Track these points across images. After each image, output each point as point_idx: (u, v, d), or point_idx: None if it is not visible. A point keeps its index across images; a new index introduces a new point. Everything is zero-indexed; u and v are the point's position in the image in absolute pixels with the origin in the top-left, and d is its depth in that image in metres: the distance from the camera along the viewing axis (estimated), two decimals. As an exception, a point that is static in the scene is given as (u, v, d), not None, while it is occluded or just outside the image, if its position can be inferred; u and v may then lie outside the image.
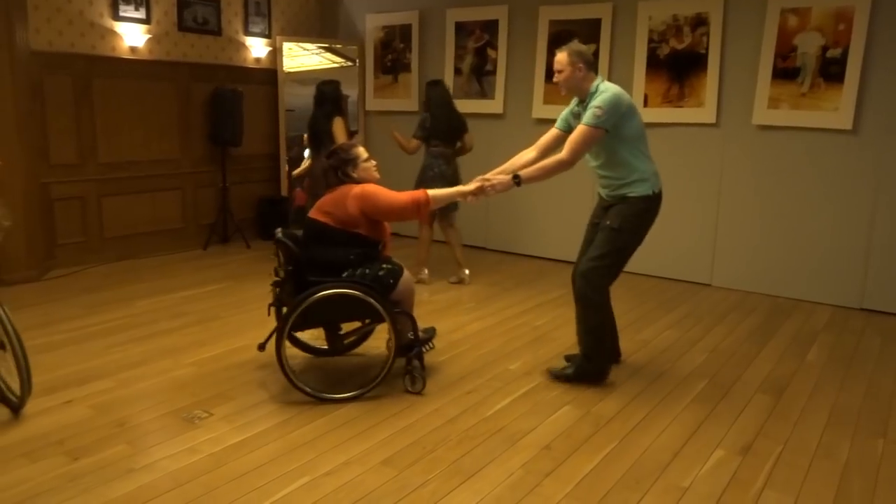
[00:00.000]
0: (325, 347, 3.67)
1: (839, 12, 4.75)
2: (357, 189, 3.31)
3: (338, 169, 3.38)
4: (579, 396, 3.38)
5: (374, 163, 3.47)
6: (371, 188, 3.33)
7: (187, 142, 6.32)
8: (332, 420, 3.07)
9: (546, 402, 3.32)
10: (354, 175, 3.37)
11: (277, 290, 3.41)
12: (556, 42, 5.95)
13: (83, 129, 5.60)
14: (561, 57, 3.39)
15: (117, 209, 5.89)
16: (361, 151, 3.44)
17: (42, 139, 5.35)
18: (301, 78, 7.25)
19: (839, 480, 2.68)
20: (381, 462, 2.73)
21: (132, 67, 5.85)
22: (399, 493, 2.52)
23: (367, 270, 3.26)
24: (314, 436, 2.92)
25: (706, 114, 5.34)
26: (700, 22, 5.28)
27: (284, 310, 3.28)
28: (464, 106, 6.47)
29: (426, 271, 5.39)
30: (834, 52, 4.80)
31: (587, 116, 3.31)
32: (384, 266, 3.32)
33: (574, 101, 3.54)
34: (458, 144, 5.39)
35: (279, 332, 3.18)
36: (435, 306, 4.79)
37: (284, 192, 7.04)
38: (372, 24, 7.13)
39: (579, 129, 3.34)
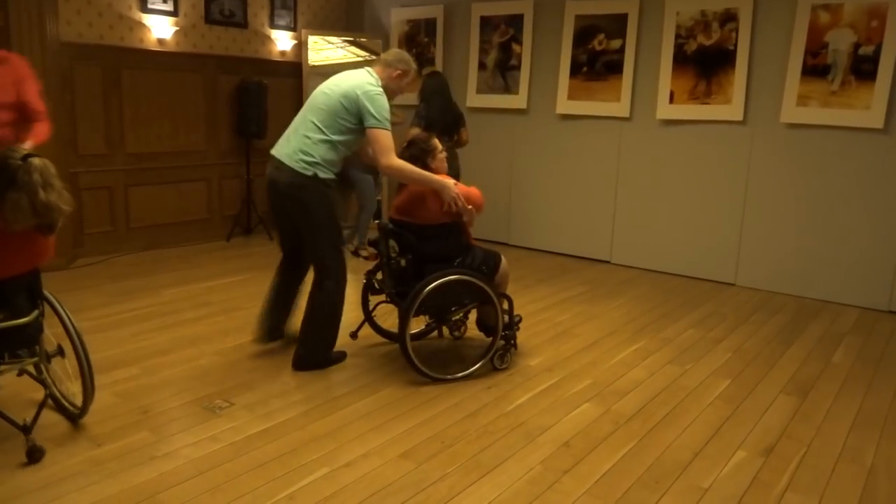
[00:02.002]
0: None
1: (872, 8, 4.66)
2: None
3: (418, 159, 3.42)
4: (600, 394, 3.37)
5: (445, 155, 3.60)
6: (440, 180, 3.39)
7: (213, 133, 6.38)
8: (352, 412, 3.09)
9: (566, 398, 3.31)
10: (433, 166, 3.44)
11: (373, 277, 3.65)
12: (581, 37, 5.93)
13: (111, 120, 5.68)
14: None
15: (144, 199, 5.97)
16: (437, 143, 3.51)
17: (71, 129, 5.43)
18: (326, 72, 7.27)
19: (864, 485, 2.64)
20: (400, 455, 2.74)
21: (160, 59, 5.91)
22: (417, 486, 2.52)
23: (473, 258, 3.46)
24: (334, 427, 2.94)
25: (733, 111, 5.27)
26: (729, 17, 5.21)
27: (373, 300, 3.71)
28: (488, 101, 6.49)
29: None
30: (866, 50, 4.71)
31: None
32: (485, 251, 3.54)
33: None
34: (455, 138, 5.37)
35: (404, 317, 3.28)
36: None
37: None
38: (397, 18, 7.13)
39: None
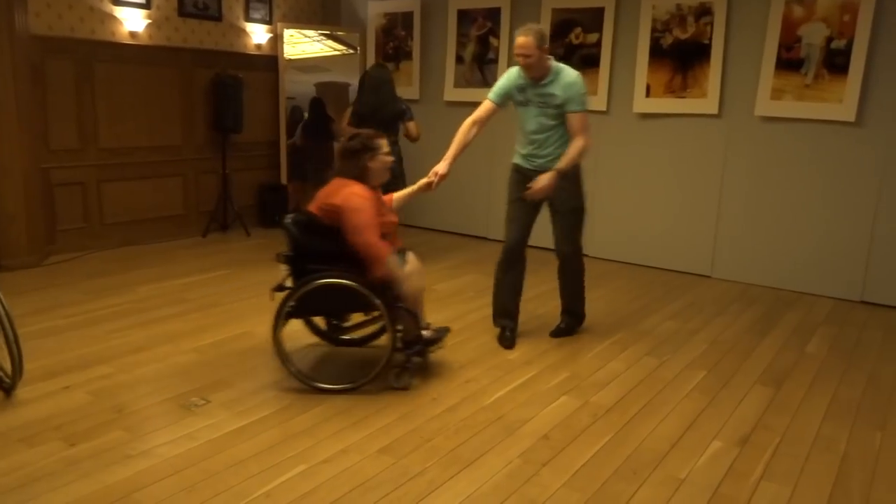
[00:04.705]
0: (344, 338, 3.65)
1: (844, 3, 4.71)
2: (348, 190, 3.15)
3: (355, 154, 3.23)
4: (578, 386, 3.38)
5: (391, 160, 3.37)
6: (354, 204, 3.10)
7: (189, 128, 6.30)
8: (331, 408, 3.07)
9: (545, 391, 3.32)
10: (370, 165, 3.24)
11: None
12: (559, 31, 5.93)
13: (84, 114, 5.58)
14: (527, 41, 3.50)
15: (118, 195, 5.88)
16: (384, 144, 3.31)
17: (42, 124, 5.33)
18: (302, 65, 7.22)
19: (837, 472, 2.68)
20: (379, 450, 2.73)
21: (133, 53, 5.82)
22: (397, 480, 2.52)
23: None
24: (312, 423, 2.93)
25: (709, 104, 5.31)
26: (704, 11, 5.24)
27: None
28: (465, 95, 6.46)
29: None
30: (839, 43, 4.77)
31: (576, 103, 3.62)
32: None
33: (515, 76, 3.71)
34: (397, 134, 5.16)
35: (276, 318, 3.17)
36: (436, 295, 4.79)
37: (284, 179, 7.03)
38: (374, 12, 7.08)
39: (580, 117, 3.64)
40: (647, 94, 5.55)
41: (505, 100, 3.76)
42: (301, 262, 3.18)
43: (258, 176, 6.92)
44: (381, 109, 5.03)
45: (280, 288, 3.22)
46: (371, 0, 7.07)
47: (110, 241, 5.84)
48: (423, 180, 3.61)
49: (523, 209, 3.82)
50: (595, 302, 4.77)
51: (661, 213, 5.69)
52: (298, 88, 7.10)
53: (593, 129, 5.83)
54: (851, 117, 4.77)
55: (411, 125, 5.16)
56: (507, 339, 3.87)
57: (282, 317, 3.16)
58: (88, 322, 4.06)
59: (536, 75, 3.62)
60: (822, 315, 4.64)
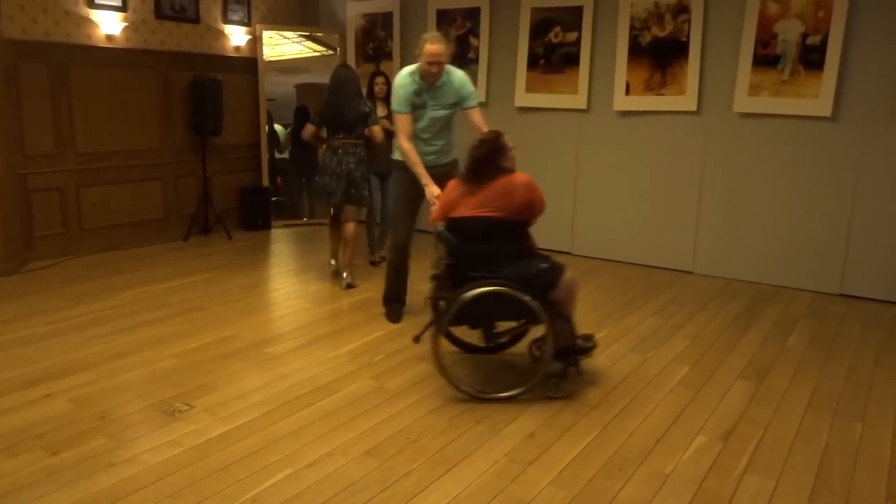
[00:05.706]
0: (479, 345, 3.60)
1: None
2: (522, 178, 3.22)
3: (492, 158, 3.23)
4: (563, 384, 3.39)
5: (514, 152, 3.36)
6: (534, 183, 3.24)
7: (168, 131, 6.25)
8: (315, 411, 3.06)
9: (530, 390, 3.33)
10: (504, 164, 3.25)
11: (436, 283, 3.31)
12: (538, 30, 5.95)
13: (61, 119, 5.52)
14: (443, 49, 3.82)
15: (97, 200, 5.82)
16: (505, 141, 3.32)
17: (18, 128, 5.26)
18: (282, 67, 7.19)
19: (819, 464, 2.71)
20: (365, 452, 2.72)
21: (110, 56, 5.76)
22: (383, 482, 2.51)
23: (526, 267, 3.11)
24: (297, 427, 2.91)
25: (687, 101, 5.35)
26: (682, 9, 5.28)
27: (442, 304, 3.22)
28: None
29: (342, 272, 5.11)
30: (814, 39, 4.83)
31: (473, 98, 4.01)
32: (544, 263, 3.17)
33: (408, 83, 3.90)
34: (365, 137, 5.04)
35: (436, 328, 3.11)
36: (420, 296, 4.78)
37: (266, 182, 7.00)
38: (353, 12, 7.06)
39: (479, 111, 3.99)
40: (627, 92, 5.58)
41: (411, 107, 3.92)
42: (459, 269, 3.14)
43: (239, 179, 6.88)
44: (344, 110, 4.90)
45: (437, 297, 3.23)
46: (350, 1, 7.05)
47: (90, 246, 5.78)
48: (433, 208, 3.59)
49: (412, 209, 4.10)
50: (579, 300, 4.78)
51: (643, 210, 5.73)
52: (278, 90, 7.08)
53: (575, 128, 5.92)
54: (827, 112, 4.83)
55: (375, 129, 4.98)
56: (396, 314, 4.30)
57: (443, 325, 3.13)
58: (69, 329, 4.02)
59: (435, 79, 3.87)
60: (801, 308, 4.69)
